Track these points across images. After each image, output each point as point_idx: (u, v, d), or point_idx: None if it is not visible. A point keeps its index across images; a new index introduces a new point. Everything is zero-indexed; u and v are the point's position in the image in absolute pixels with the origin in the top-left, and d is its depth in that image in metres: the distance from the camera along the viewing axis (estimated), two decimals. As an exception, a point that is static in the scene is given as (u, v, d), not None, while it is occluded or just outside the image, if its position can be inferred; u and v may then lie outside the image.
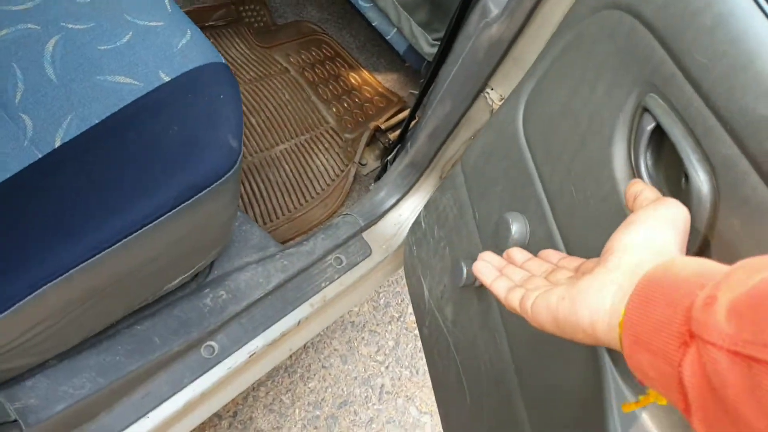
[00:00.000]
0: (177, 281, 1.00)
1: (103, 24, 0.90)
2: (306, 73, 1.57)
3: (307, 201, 1.42)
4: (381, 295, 1.81)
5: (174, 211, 0.83)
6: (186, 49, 0.92)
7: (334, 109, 1.55)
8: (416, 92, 1.51)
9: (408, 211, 1.31)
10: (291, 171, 1.44)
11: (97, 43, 0.89)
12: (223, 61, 0.95)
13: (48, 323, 0.80)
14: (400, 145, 1.35)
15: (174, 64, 0.90)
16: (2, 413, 0.82)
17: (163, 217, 0.82)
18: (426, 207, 1.11)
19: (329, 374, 1.68)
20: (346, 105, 1.57)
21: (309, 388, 1.65)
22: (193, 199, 0.84)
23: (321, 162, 1.47)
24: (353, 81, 1.61)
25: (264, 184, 1.41)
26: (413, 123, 1.31)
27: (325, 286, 1.21)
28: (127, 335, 0.97)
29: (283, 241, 1.34)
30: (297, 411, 1.61)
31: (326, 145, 1.50)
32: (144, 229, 0.81)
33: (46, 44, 0.87)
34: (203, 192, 0.85)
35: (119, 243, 0.80)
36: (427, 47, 1.36)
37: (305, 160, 1.46)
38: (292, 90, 1.53)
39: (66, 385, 0.89)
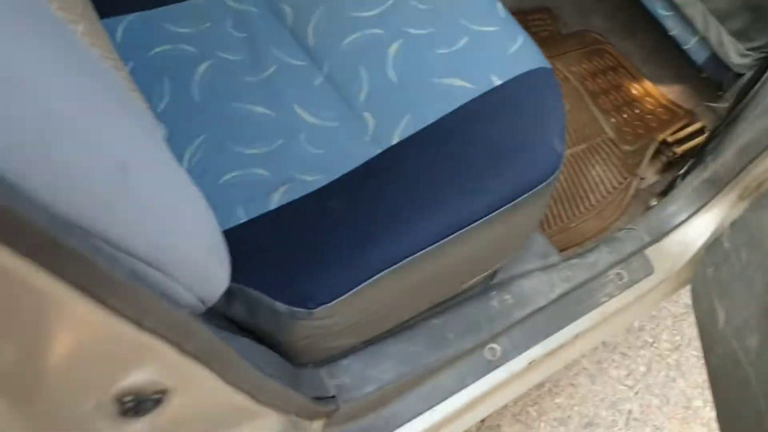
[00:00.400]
0: (474, 280, 1.03)
1: (441, 29, 0.95)
2: (586, 83, 1.54)
3: (581, 212, 1.39)
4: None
5: (501, 209, 0.85)
6: (517, 54, 0.94)
7: (614, 120, 1.51)
8: (713, 105, 1.41)
9: (699, 229, 1.23)
10: (566, 180, 1.42)
11: (435, 48, 0.94)
12: (550, 66, 0.96)
13: (375, 308, 0.86)
14: (695, 159, 1.27)
15: (506, 68, 0.93)
16: (323, 388, 0.90)
17: (491, 215, 0.85)
18: (732, 226, 1.03)
19: (577, 392, 1.64)
20: (626, 116, 1.52)
21: (556, 403, 1.62)
22: (519, 198, 0.86)
23: (597, 173, 1.44)
24: (635, 92, 1.55)
25: (540, 191, 1.40)
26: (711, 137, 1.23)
27: (604, 302, 1.18)
28: (424, 328, 1.02)
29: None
30: (542, 425, 1.59)
31: (603, 156, 1.46)
32: (473, 225, 0.84)
33: (389, 48, 0.94)
34: (530, 192, 0.87)
35: (450, 236, 0.83)
36: (737, 58, 1.27)
37: (581, 170, 1.44)
38: (572, 99, 1.51)
39: (375, 369, 0.95)
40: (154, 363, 0.49)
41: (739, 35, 1.25)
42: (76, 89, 0.43)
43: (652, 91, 1.57)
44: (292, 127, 0.90)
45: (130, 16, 0.92)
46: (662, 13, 1.41)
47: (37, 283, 0.37)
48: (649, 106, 1.54)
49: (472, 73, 0.92)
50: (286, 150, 0.89)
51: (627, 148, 1.47)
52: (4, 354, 0.39)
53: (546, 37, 1.59)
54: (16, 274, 0.35)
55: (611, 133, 1.49)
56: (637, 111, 1.53)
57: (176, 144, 0.86)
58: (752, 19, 1.22)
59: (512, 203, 0.86)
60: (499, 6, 0.99)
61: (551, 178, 0.89)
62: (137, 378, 0.48)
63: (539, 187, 0.88)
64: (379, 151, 0.89)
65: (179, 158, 0.86)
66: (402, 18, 0.96)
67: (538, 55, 0.95)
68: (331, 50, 0.95)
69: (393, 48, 0.94)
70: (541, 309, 1.13)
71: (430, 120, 0.90)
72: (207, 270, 0.59)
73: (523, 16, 1.57)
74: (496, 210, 0.86)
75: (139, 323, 0.44)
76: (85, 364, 0.44)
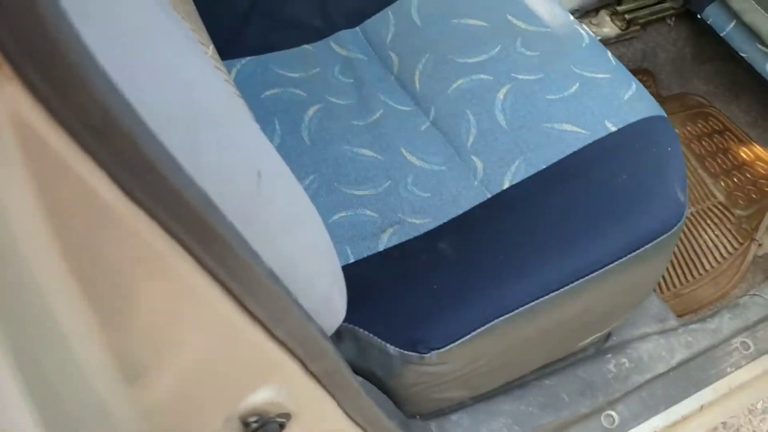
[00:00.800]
0: (589, 340, 0.96)
1: (551, 75, 0.93)
2: (692, 145, 1.48)
3: (695, 277, 1.30)
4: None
5: (622, 260, 0.80)
6: (631, 101, 0.90)
7: (723, 184, 1.43)
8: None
9: (834, 298, 1.13)
10: (677, 244, 1.34)
11: (546, 93, 0.91)
12: (665, 114, 0.92)
13: (488, 358, 0.81)
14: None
15: (620, 114, 0.89)
16: (432, 442, 0.84)
17: (611, 265, 0.79)
18: None
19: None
20: (736, 180, 1.44)
21: (668, 490, 1.47)
22: (641, 249, 0.80)
23: (710, 237, 1.35)
24: (744, 156, 1.48)
25: (647, 255, 1.32)
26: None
27: (730, 372, 1.07)
28: (536, 387, 0.95)
29: (671, 318, 1.23)
30: None
31: (715, 220, 1.38)
32: (592, 275, 0.79)
33: (497, 93, 0.92)
34: (651, 243, 0.81)
35: (568, 286, 0.78)
36: None
37: (692, 235, 1.36)
38: (677, 161, 1.45)
39: (486, 426, 0.88)
40: (280, 381, 0.45)
41: None
42: (224, 97, 0.42)
43: (763, 156, 1.49)
44: (399, 170, 0.88)
45: (243, 60, 0.94)
46: (772, 71, 1.35)
47: (180, 269, 0.34)
48: (762, 171, 1.46)
49: (585, 118, 0.89)
50: (393, 192, 0.86)
51: (740, 212, 1.39)
52: (142, 350, 0.36)
53: (647, 100, 1.55)
54: (166, 257, 0.33)
55: (721, 197, 1.41)
56: (748, 175, 1.45)
57: (285, 185, 0.85)
58: None
59: (634, 254, 0.81)
60: (610, 54, 0.96)
61: (675, 228, 0.83)
62: (263, 396, 0.45)
63: (662, 237, 0.82)
64: (489, 195, 0.86)
65: (287, 199, 0.85)
66: (510, 64, 0.94)
67: (653, 103, 0.91)
68: (438, 95, 0.93)
69: (502, 93, 0.92)
70: (660, 375, 1.03)
71: (543, 165, 0.86)
72: (329, 298, 0.56)
73: (623, 78, 1.54)
74: (617, 260, 0.80)
75: (271, 331, 0.41)
76: (216, 371, 0.41)
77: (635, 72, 1.57)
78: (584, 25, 1.44)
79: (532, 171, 0.86)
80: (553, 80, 0.92)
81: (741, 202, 1.41)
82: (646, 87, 1.49)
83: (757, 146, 1.50)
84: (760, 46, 1.35)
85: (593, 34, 1.44)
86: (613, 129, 0.88)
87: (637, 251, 0.81)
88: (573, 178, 0.85)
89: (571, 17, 1.00)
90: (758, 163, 1.47)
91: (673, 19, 1.56)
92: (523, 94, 0.92)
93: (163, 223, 0.32)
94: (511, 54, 0.95)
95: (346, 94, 0.94)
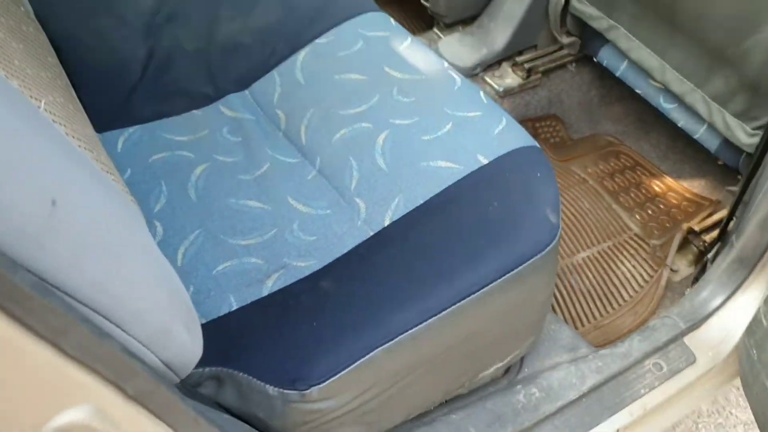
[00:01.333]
0: (491, 370, 0.97)
1: (426, 117, 0.97)
2: (605, 183, 1.53)
3: (614, 308, 1.33)
4: (700, 426, 1.57)
5: (498, 281, 0.82)
6: (501, 134, 0.95)
7: (638, 216, 1.47)
8: (734, 189, 1.38)
9: (737, 312, 1.15)
10: (595, 278, 1.37)
11: (421, 134, 0.96)
12: (537, 145, 0.96)
13: (376, 391, 0.81)
14: (721, 241, 1.22)
15: (492, 148, 0.93)
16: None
17: (487, 287, 0.82)
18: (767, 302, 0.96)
19: None
20: (650, 212, 1.48)
21: None
22: (515, 270, 0.83)
23: (627, 269, 1.38)
24: (657, 188, 1.53)
25: (567, 290, 1.35)
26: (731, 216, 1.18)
27: (644, 393, 1.08)
28: (444, 422, 0.95)
29: (592, 349, 1.25)
30: None
31: (631, 251, 1.41)
32: (470, 298, 0.81)
33: (377, 138, 0.96)
34: (524, 264, 0.84)
35: (446, 311, 0.80)
36: (746, 138, 1.25)
37: (609, 267, 1.39)
38: (592, 199, 1.50)
39: (391, 465, 0.88)
40: (89, 402, 0.46)
41: (742, 116, 1.25)
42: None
43: (674, 186, 1.54)
44: (286, 217, 0.91)
45: (131, 129, 0.98)
46: (667, 106, 1.42)
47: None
48: (674, 201, 1.51)
49: (458, 154, 0.93)
50: (279, 239, 0.89)
51: (655, 242, 1.43)
52: None
53: (557, 143, 1.61)
54: None
55: (637, 229, 1.45)
56: (661, 206, 1.50)
57: (171, 241, 0.88)
58: (752, 98, 1.21)
59: (509, 275, 0.83)
60: (482, 94, 1.01)
61: (548, 248, 0.86)
62: (71, 419, 0.46)
63: (536, 257, 0.85)
64: (372, 233, 0.89)
65: (173, 254, 0.87)
66: (388, 111, 0.99)
67: (524, 134, 0.96)
68: (323, 146, 0.98)
69: (381, 138, 0.96)
70: (572, 403, 1.04)
71: (420, 200, 0.90)
72: (167, 328, 0.58)
73: (531, 123, 1.61)
74: (493, 282, 0.82)
75: (58, 345, 0.42)
76: (9, 393, 0.42)
77: (543, 118, 1.64)
78: (487, 77, 1.52)
79: (410, 207, 0.90)
80: (427, 122, 0.97)
81: (656, 231, 1.45)
82: (555, 131, 1.56)
83: (668, 178, 1.56)
84: (652, 82, 1.43)
85: (497, 86, 1.51)
86: (485, 161, 0.92)
87: (512, 272, 0.83)
88: (449, 210, 0.88)
89: (445, 63, 1.06)
90: (670, 193, 1.52)
91: (575, 64, 1.64)
92: (400, 137, 0.96)
93: None
94: (389, 102, 1.00)
95: (234, 152, 0.98)
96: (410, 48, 1.08)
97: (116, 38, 1.09)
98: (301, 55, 1.08)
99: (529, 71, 1.56)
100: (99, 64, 1.04)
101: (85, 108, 0.85)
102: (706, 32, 1.24)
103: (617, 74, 1.48)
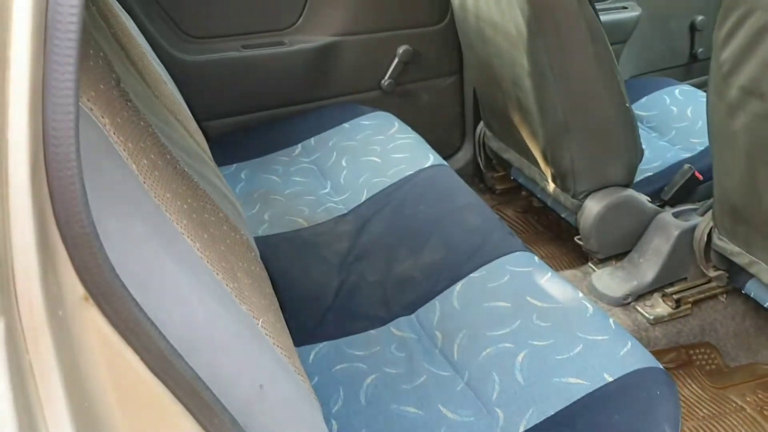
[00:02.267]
0: None
1: (560, 340, 1.14)
2: (765, 412, 1.53)
3: None
4: None
5: None
6: (627, 355, 1.09)
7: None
8: None
9: None
10: None
11: (555, 354, 1.12)
12: (660, 366, 1.08)
13: None
14: None
15: (617, 367, 1.07)
16: None
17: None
18: None
19: None
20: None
21: None
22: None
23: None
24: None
25: None
26: None
27: None
28: None
29: None
30: None
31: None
32: None
33: (517, 357, 1.14)
34: None
35: None
36: None
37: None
38: (749, 428, 1.49)
39: None
40: None
41: None
42: (234, 327, 0.72)
43: None
44: (436, 422, 1.09)
45: (321, 344, 1.25)
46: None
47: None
48: None
49: (586, 372, 1.08)
50: (430, 442, 1.07)
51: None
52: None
53: (713, 371, 1.64)
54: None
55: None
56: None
57: (343, 439, 1.09)
58: None
59: None
60: (611, 320, 1.17)
61: None
62: None
63: None
64: (512, 441, 1.04)
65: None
66: (527, 334, 1.18)
67: (648, 357, 1.09)
68: (471, 362, 1.17)
69: (520, 356, 1.14)
70: None
71: (551, 412, 1.04)
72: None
73: (685, 350, 1.67)
74: None
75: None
76: None
77: (697, 345, 1.70)
78: (638, 306, 1.65)
79: (542, 417, 1.04)
80: (561, 343, 1.14)
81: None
82: (710, 359, 1.62)
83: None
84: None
85: (647, 314, 1.64)
86: (610, 379, 1.06)
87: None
88: (576, 421, 1.02)
89: (580, 294, 1.24)
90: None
91: (726, 296, 1.72)
92: (537, 356, 1.13)
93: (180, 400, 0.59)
94: (529, 326, 1.19)
95: (398, 365, 1.20)
96: (550, 281, 1.28)
97: (318, 273, 1.42)
98: (458, 286, 1.33)
99: (678, 301, 1.67)
100: (302, 293, 1.35)
101: (288, 324, 1.14)
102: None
103: (766, 305, 1.55)
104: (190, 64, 1.86)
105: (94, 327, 0.53)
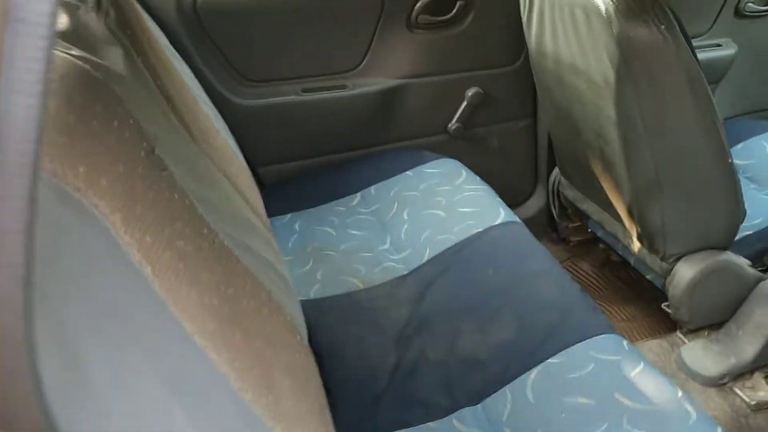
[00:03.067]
0: None
1: None
2: None
3: None
4: None
5: None
6: None
7: None
8: None
9: None
10: None
11: None
12: None
13: None
14: None
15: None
16: None
17: None
18: None
19: None
20: None
21: None
22: None
23: None
24: None
25: None
26: None
27: None
28: None
29: None
30: None
31: None
32: None
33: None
34: None
35: None
36: None
37: None
38: None
39: None
40: None
41: None
42: None
43: None
44: None
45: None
46: None
47: None
48: None
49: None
50: None
51: None
52: None
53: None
54: None
55: None
56: None
57: None
58: None
59: None
60: (720, 429, 0.98)
61: None
62: None
63: None
64: None
65: None
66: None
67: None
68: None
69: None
70: None
71: None
72: None
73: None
74: None
75: None
76: None
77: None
78: (737, 388, 1.44)
79: None
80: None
81: None
82: None
83: None
84: None
85: (748, 398, 1.43)
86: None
87: None
88: None
89: (680, 393, 1.05)
90: None
91: None
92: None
93: None
94: (618, 431, 1.01)
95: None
96: (642, 374, 1.10)
97: (371, 344, 1.27)
98: (533, 374, 1.15)
99: (788, 387, 1.45)
100: (353, 372, 1.21)
101: (333, 410, 0.99)
102: None
103: None
104: (247, 109, 1.76)
105: None
